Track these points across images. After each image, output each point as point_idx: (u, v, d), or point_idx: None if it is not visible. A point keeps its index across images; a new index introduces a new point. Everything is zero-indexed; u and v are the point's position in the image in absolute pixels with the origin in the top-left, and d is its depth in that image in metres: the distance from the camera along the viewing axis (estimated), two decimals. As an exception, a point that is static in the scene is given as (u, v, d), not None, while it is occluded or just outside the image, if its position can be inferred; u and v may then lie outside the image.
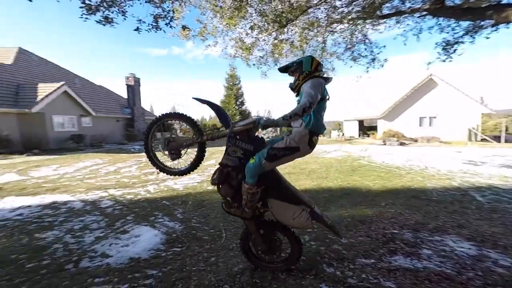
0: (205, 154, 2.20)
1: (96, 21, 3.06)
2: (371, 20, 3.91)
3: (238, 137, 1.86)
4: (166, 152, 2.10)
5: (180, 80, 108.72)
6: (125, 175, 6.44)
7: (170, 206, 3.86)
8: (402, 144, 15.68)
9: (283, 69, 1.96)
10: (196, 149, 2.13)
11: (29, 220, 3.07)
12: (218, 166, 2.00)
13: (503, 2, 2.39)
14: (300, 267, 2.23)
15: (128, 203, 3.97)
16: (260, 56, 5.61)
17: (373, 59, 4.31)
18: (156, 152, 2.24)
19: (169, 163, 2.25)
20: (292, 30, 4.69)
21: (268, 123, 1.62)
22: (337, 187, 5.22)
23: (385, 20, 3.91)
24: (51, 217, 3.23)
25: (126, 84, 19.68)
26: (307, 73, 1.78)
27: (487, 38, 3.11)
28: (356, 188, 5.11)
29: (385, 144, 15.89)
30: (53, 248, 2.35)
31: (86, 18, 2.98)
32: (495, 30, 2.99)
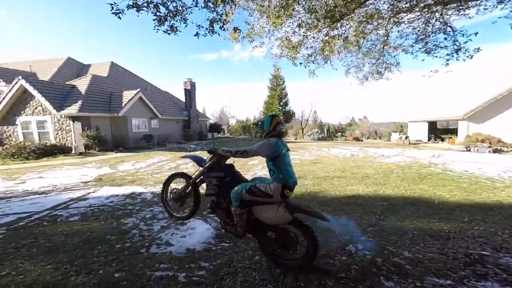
0: (199, 193, 2.59)
1: (164, 31, 3.54)
2: (456, 4, 3.17)
3: (211, 170, 2.31)
4: (173, 202, 2.60)
5: (228, 82, 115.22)
6: (183, 170, 7.28)
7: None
8: (496, 151, 12.29)
9: (254, 124, 2.45)
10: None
11: (117, 207, 3.84)
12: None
13: None
14: (350, 275, 2.10)
15: (185, 197, 4.48)
16: (308, 54, 5.37)
17: (457, 50, 3.51)
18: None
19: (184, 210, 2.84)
20: (346, 25, 4.26)
21: (224, 153, 2.19)
22: (399, 195, 4.65)
23: (474, 3, 3.09)
24: (131, 205, 3.95)
25: (184, 89, 22.02)
26: (267, 133, 2.21)
27: None
28: (425, 198, 4.44)
29: (469, 151, 12.85)
30: (132, 233, 2.88)
31: (158, 29, 3.50)
32: None
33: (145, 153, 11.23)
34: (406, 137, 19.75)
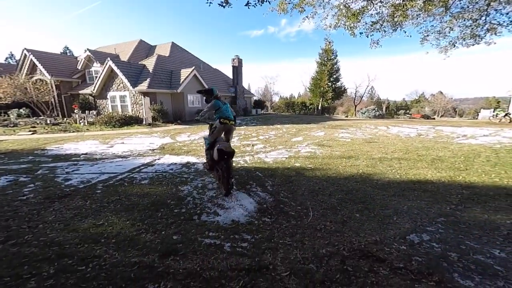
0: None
1: (218, 4, 3.54)
2: None
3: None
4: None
5: (273, 58, 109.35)
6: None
7: (262, 178, 4.17)
8: None
9: (200, 91, 3.86)
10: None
11: (175, 175, 4.35)
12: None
13: None
14: (411, 267, 1.82)
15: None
16: (372, 22, 4.43)
17: None
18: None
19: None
20: None
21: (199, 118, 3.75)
22: (489, 184, 3.72)
23: None
24: (186, 174, 4.40)
25: (232, 65, 22.10)
26: (213, 97, 3.73)
27: None
28: None
29: None
30: (187, 200, 3.20)
31: (210, 3, 3.53)
32: None
33: (198, 126, 12.23)
34: (507, 114, 14.94)
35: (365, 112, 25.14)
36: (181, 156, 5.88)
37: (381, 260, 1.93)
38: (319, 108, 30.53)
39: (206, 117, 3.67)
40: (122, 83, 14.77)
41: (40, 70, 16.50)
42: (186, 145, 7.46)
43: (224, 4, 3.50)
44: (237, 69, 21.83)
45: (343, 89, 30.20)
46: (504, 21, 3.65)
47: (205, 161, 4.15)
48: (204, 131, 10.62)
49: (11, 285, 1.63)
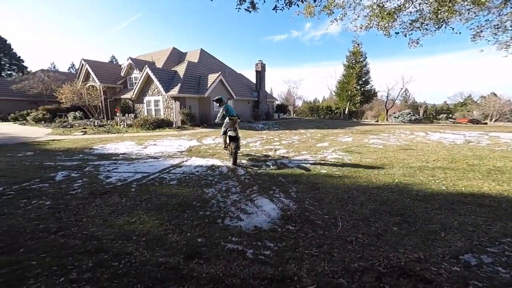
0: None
1: (245, 9, 3.60)
2: None
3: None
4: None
5: (297, 62, 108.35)
6: (252, 149, 7.62)
7: (285, 184, 4.03)
8: None
9: (214, 100, 6.00)
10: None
11: (201, 177, 4.47)
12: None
13: None
14: None
15: (254, 174, 4.64)
16: (412, 21, 4.09)
17: None
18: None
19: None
20: None
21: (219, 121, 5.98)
22: None
23: None
24: (211, 176, 4.49)
25: (255, 70, 22.47)
26: (223, 103, 5.88)
27: None
28: None
29: None
30: (212, 202, 3.23)
31: (239, 8, 3.60)
32: None
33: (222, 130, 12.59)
34: None
35: (398, 116, 23.12)
36: (207, 159, 6.06)
37: (427, 281, 1.68)
38: (346, 112, 29.05)
39: (221, 117, 5.84)
40: (157, 88, 16.07)
41: (93, 77, 18.94)
42: (211, 148, 7.69)
43: (250, 9, 3.54)
44: (260, 74, 22.08)
45: (373, 92, 28.41)
46: None
47: (227, 152, 6.08)
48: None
49: (58, 275, 1.79)
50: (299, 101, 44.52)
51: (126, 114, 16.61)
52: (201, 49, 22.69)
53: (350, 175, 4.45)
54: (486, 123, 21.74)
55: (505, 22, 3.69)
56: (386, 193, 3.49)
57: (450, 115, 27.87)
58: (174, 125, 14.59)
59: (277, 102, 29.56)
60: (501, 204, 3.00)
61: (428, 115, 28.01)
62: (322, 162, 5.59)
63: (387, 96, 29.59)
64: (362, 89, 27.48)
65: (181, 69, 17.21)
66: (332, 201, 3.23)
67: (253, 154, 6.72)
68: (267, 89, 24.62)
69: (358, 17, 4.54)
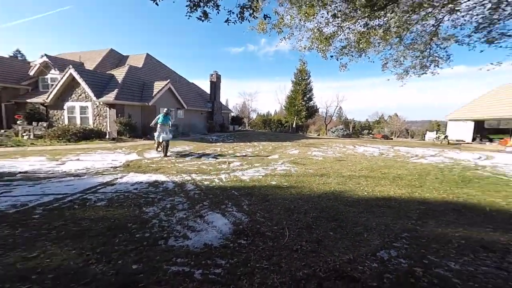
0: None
1: (197, 17, 3.56)
2: None
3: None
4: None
5: (252, 76, 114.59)
6: (204, 162, 7.35)
7: (238, 197, 4.04)
8: None
9: (165, 113, 8.50)
10: None
11: (140, 195, 3.94)
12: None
13: None
14: (384, 285, 1.88)
15: (205, 189, 4.45)
16: (342, 47, 4.94)
17: None
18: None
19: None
20: (389, 13, 3.74)
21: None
22: (439, 199, 4.16)
23: None
24: (153, 194, 4.03)
25: (210, 81, 22.25)
26: (163, 113, 8.43)
27: None
28: (472, 204, 3.93)
29: None
30: (152, 222, 2.88)
31: (189, 16, 3.53)
32: None
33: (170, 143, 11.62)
34: (445, 137, 17.79)
35: (334, 131, 27.25)
36: (149, 174, 5.43)
37: (355, 280, 1.94)
38: (294, 126, 32.11)
39: (155, 123, 8.27)
40: (84, 93, 13.57)
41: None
42: (155, 162, 6.95)
43: (203, 18, 3.55)
44: (215, 85, 22.06)
45: (315, 108, 32.58)
46: (443, 55, 4.41)
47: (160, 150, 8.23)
48: (176, 147, 10.17)
49: None
50: (253, 114, 46.46)
51: (35, 122, 13.20)
52: (147, 53, 21.02)
53: (296, 185, 4.87)
54: (392, 139, 28.21)
55: (400, 57, 4.92)
56: (325, 200, 3.97)
57: (370, 131, 34.83)
58: (107, 136, 12.49)
59: (232, 114, 29.93)
60: (401, 205, 3.86)
61: (355, 131, 34.17)
62: (273, 173, 5.91)
63: (326, 113, 34.67)
64: (307, 105, 31.18)
65: (120, 73, 15.25)
66: (280, 212, 3.42)
67: (204, 167, 6.47)
68: (223, 101, 24.73)
69: (302, 38, 5.21)
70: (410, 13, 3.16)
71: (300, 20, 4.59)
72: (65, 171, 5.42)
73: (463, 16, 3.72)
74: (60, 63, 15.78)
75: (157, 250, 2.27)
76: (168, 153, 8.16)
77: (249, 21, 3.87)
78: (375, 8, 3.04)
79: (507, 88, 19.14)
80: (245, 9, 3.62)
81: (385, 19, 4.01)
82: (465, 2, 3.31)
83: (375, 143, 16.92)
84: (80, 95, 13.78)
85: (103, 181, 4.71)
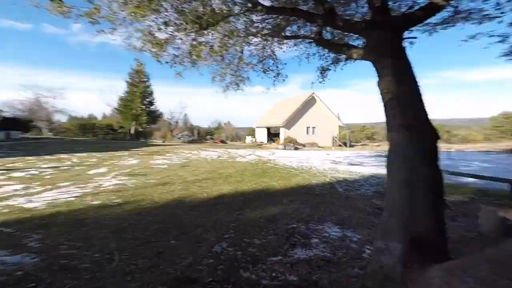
0: None
1: None
2: (278, 39, 4.42)
3: None
4: None
5: (61, 67, 77.34)
6: None
7: (16, 234, 2.53)
8: (296, 148, 19.34)
9: None
10: None
11: None
12: None
13: (351, 43, 3.38)
14: (218, 276, 2.07)
15: None
16: (175, 55, 4.98)
17: (278, 74, 4.86)
18: None
19: None
20: (212, 34, 4.47)
21: None
22: (251, 190, 5.43)
23: (287, 41, 4.53)
24: None
25: None
26: None
27: (342, 69, 4.30)
28: (266, 189, 5.51)
29: (285, 149, 18.97)
30: None
31: None
32: (346, 64, 4.19)
33: None
34: (255, 140, 25.72)
35: (180, 137, 27.50)
36: None
37: (195, 281, 1.99)
38: (132, 132, 27.40)
39: None
40: None
41: None
42: None
43: None
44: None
45: (158, 113, 30.43)
46: (245, 77, 6.09)
47: None
48: None
49: None
50: (61, 116, 31.84)
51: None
52: None
53: (133, 200, 4.15)
54: (227, 143, 34.61)
55: (223, 73, 6.04)
56: (168, 210, 3.78)
57: (212, 136, 39.84)
58: None
59: (4, 114, 18.13)
60: (230, 200, 4.61)
61: (200, 136, 37.11)
62: (96, 191, 4.51)
63: (171, 119, 33.84)
64: (148, 109, 28.11)
65: None
66: (107, 235, 2.71)
67: None
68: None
69: (131, 37, 4.53)
70: (227, 37, 4.14)
71: (125, 17, 4.07)
72: None
73: (254, 49, 5.40)
74: None
75: None
76: None
77: None
78: (202, 27, 3.61)
79: (278, 105, 31.97)
80: None
81: (210, 37, 4.85)
82: (253, 38, 4.86)
83: (215, 147, 19.64)
84: None
85: None
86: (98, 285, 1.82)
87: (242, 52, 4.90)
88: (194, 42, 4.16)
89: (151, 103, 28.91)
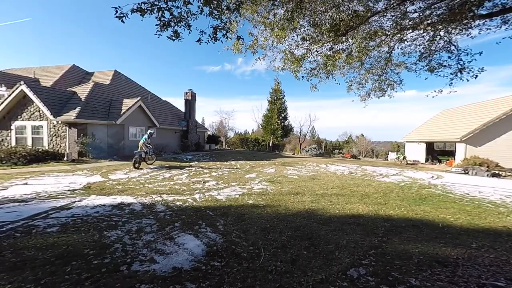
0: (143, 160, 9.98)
1: (167, 36, 3.50)
2: (459, 23, 3.21)
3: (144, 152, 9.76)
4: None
5: (229, 95, 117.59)
6: (177, 182, 7.01)
7: (213, 217, 3.91)
8: (494, 175, 12.34)
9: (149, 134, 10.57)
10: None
11: (102, 218, 3.57)
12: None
13: None
14: None
15: (177, 210, 4.22)
16: (311, 68, 5.39)
17: (461, 69, 3.51)
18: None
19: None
20: (350, 39, 4.33)
21: (145, 148, 9.98)
22: (400, 216, 4.47)
23: (484, 20, 3.11)
24: (117, 217, 3.67)
25: (185, 99, 22.16)
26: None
27: None
28: (428, 220, 4.27)
29: (467, 173, 12.94)
30: (114, 247, 2.61)
31: (160, 35, 3.46)
32: None
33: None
34: (404, 157, 19.84)
35: (308, 150, 28.51)
36: (113, 197, 4.97)
37: None
38: (270, 145, 32.74)
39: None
40: (39, 111, 12.30)
41: None
42: (122, 184, 6.42)
43: (173, 37, 3.50)
44: (189, 103, 21.99)
45: (290, 127, 33.88)
46: (396, 80, 5.07)
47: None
48: (146, 168, 9.60)
49: None
50: (231, 132, 46.49)
51: (-29, 143, 11.39)
52: (115, 70, 20.36)
53: (272, 204, 4.90)
54: (359, 158, 30.40)
55: (362, 80, 5.51)
56: (299, 219, 4.04)
57: (340, 151, 37.16)
58: (66, 158, 11.23)
59: (208, 133, 29.56)
60: (368, 222, 4.09)
61: (327, 150, 36.10)
62: (250, 192, 5.89)
63: (300, 132, 36.31)
64: (282, 124, 32.28)
65: (83, 90, 14.38)
66: (256, 231, 3.38)
67: (177, 188, 6.16)
68: (199, 119, 24.48)
69: (276, 58, 5.60)
70: (368, 39, 3.72)
71: (273, 41, 5.02)
72: (6, 197, 4.68)
73: (409, 45, 4.39)
74: (8, 79, 14.38)
75: (118, 276, 2.04)
76: (143, 168, 9.40)
77: (222, 41, 3.85)
78: (338, 33, 3.56)
79: (447, 114, 22.84)
80: (218, 30, 3.62)
81: (347, 44, 4.57)
82: (409, 33, 3.94)
83: (344, 162, 18.12)
84: (33, 113, 12.45)
85: (56, 205, 4.17)
86: (252, 274, 2.30)
87: (390, 53, 4.29)
88: (329, 52, 4.27)
89: (285, 118, 33.02)
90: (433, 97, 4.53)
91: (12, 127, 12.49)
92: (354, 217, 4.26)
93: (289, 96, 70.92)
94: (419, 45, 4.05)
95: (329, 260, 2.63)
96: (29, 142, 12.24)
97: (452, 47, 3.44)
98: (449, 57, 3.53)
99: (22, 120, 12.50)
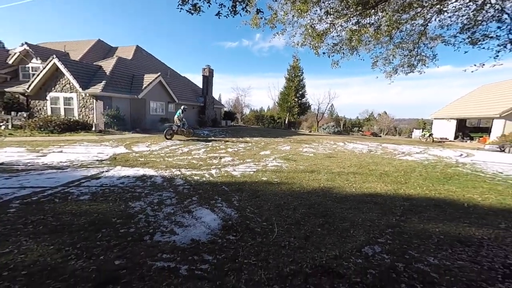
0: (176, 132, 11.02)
1: (186, 10, 3.44)
2: None
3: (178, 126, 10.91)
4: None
5: (246, 71, 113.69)
6: (195, 157, 7.23)
7: (228, 192, 4.01)
8: None
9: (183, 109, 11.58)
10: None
11: (126, 189, 3.82)
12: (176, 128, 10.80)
13: None
14: (366, 280, 1.90)
15: (194, 184, 4.38)
16: (334, 43, 4.90)
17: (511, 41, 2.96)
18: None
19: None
20: (380, 12, 3.75)
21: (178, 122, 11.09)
22: (422, 196, 4.27)
23: None
24: (140, 188, 3.92)
25: (202, 75, 21.79)
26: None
27: None
28: (452, 200, 4.04)
29: (503, 151, 11.81)
30: (138, 217, 2.80)
31: (181, 8, 3.43)
32: None
33: (160, 136, 11.35)
34: (430, 135, 18.34)
35: (326, 128, 27.61)
36: (136, 168, 5.27)
37: (340, 276, 1.96)
38: (286, 122, 32.20)
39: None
40: (69, 83, 12.93)
41: None
42: (144, 156, 6.77)
43: (193, 11, 3.47)
44: (207, 79, 21.65)
45: (307, 105, 32.72)
46: (429, 55, 4.52)
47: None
48: (166, 141, 10.00)
49: None
50: (246, 109, 46.12)
51: (13, 112, 12.48)
52: (137, 45, 20.26)
53: (287, 182, 4.89)
54: (380, 136, 28.92)
55: (389, 56, 5.00)
56: (314, 197, 4.00)
57: (360, 128, 35.55)
58: (94, 129, 12.03)
59: (225, 109, 29.54)
60: (386, 201, 3.95)
61: (346, 128, 34.74)
62: (264, 169, 5.91)
63: (318, 110, 34.91)
64: (299, 101, 31.23)
65: (107, 65, 14.61)
66: (270, 208, 3.42)
67: (195, 162, 6.36)
68: (215, 96, 24.29)
69: (295, 34, 5.16)
70: (401, 12, 3.20)
71: (293, 16, 4.53)
72: (46, 163, 5.17)
73: (450, 17, 3.80)
74: (42, 52, 14.92)
75: (141, 245, 2.21)
76: (174, 140, 10.68)
77: (241, 15, 3.76)
78: (367, 6, 3.04)
79: (486, 89, 20.11)
80: (237, 3, 3.53)
81: (376, 17, 4.02)
82: (452, 3, 3.38)
83: (364, 140, 17.32)
84: (65, 85, 13.12)
85: (87, 174, 4.53)
86: (265, 249, 2.35)
87: (426, 25, 3.70)
88: (355, 27, 3.80)
89: (302, 95, 31.72)
90: (472, 71, 3.96)
91: (48, 97, 13.38)
92: (371, 196, 4.15)
93: (308, 73, 66.88)
94: (462, 16, 3.39)
95: (343, 238, 2.63)
96: (62, 112, 13.15)
97: (505, 16, 2.80)
98: (499, 27, 2.92)
99: (56, 91, 13.29)
